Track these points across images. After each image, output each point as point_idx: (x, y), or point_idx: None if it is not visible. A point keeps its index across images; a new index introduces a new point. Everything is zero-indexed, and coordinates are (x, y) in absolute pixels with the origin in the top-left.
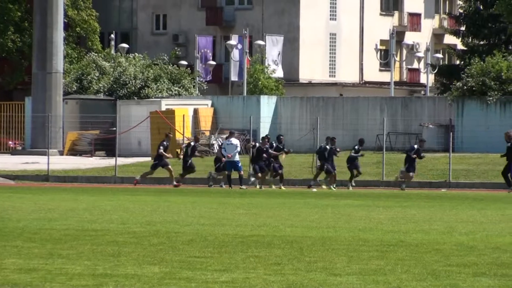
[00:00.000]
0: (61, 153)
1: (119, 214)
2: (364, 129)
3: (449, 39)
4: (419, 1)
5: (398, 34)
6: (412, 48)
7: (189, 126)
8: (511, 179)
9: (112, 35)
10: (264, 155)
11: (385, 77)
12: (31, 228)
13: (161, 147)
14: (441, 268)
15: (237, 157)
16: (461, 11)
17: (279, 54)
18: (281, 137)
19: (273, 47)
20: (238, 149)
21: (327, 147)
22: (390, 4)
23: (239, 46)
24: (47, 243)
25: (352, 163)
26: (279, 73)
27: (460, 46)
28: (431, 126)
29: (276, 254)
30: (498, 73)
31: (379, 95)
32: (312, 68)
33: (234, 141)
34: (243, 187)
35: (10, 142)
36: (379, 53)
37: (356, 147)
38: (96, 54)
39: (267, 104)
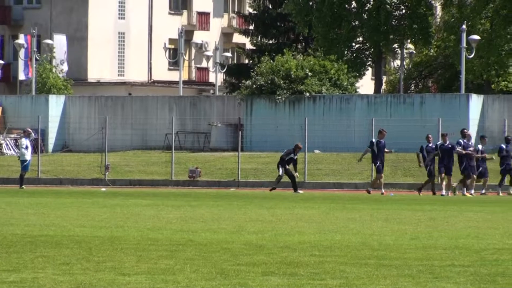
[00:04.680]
0: None
1: None
2: (153, 128)
3: (238, 38)
4: (208, 0)
5: (187, 33)
6: (201, 47)
7: None
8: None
9: None
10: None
11: (174, 76)
12: None
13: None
14: (230, 267)
15: (28, 157)
16: (251, 10)
17: (65, 53)
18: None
19: (60, 46)
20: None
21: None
22: (179, 3)
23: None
24: None
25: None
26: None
27: (249, 46)
28: (220, 125)
29: (65, 254)
30: (287, 72)
31: (168, 94)
32: (101, 67)
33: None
34: (23, 187)
35: None
36: (168, 52)
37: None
38: None
39: (56, 104)
